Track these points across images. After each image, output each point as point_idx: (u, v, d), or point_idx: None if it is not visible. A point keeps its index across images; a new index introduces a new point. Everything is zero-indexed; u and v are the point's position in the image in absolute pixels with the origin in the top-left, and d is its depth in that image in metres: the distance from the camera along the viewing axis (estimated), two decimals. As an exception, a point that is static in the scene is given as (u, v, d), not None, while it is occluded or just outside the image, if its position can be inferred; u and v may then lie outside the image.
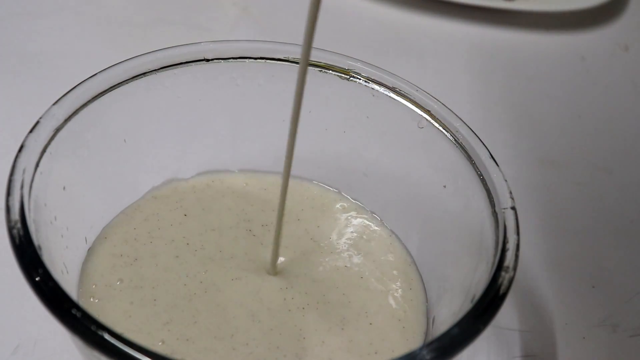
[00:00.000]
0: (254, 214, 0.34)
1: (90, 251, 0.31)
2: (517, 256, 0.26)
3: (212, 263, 0.31)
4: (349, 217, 0.35)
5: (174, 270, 0.31)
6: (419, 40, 0.55)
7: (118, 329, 0.26)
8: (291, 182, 0.36)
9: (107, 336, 0.21)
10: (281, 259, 0.32)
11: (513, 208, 0.27)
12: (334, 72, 0.32)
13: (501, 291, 0.24)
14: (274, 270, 0.31)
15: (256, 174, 0.36)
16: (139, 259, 0.31)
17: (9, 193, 0.25)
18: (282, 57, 0.33)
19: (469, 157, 0.29)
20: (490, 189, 0.28)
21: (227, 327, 0.29)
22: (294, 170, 0.36)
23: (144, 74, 0.31)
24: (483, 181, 0.29)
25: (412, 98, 0.32)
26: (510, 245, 0.26)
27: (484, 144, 0.30)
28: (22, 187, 0.25)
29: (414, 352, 0.22)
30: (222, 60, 0.32)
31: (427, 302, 0.32)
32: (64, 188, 0.28)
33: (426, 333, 0.30)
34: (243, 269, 0.31)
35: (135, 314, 0.29)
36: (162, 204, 0.33)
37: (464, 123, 0.30)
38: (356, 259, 0.33)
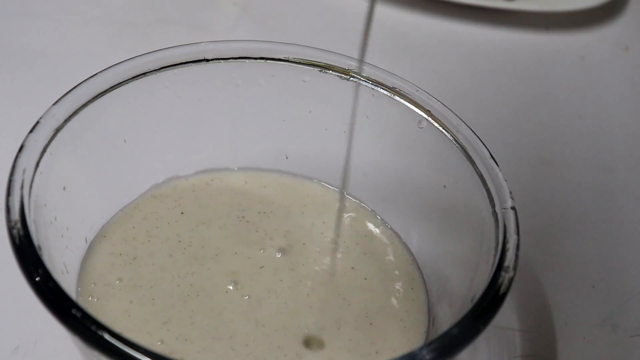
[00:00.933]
0: (250, 205, 0.34)
1: (90, 250, 0.31)
2: (517, 256, 0.26)
3: (196, 263, 0.31)
4: (350, 217, 0.35)
5: (168, 270, 0.31)
6: (419, 40, 0.55)
7: (117, 328, 0.26)
8: (292, 181, 0.36)
9: (107, 336, 0.21)
10: (281, 254, 0.32)
11: (513, 208, 0.27)
12: (334, 72, 0.32)
13: (501, 291, 0.24)
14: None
15: (256, 172, 0.36)
16: (137, 258, 0.31)
17: (9, 193, 0.25)
18: (282, 57, 0.33)
19: (469, 157, 0.29)
20: (490, 189, 0.28)
21: (226, 329, 0.29)
22: (294, 170, 0.36)
23: (144, 74, 0.31)
24: (483, 181, 0.29)
25: (412, 98, 0.32)
26: (510, 245, 0.26)
27: (484, 144, 0.30)
28: (22, 187, 0.25)
29: (414, 352, 0.22)
30: (222, 60, 0.32)
31: (428, 301, 0.32)
32: (64, 188, 0.28)
33: (427, 332, 0.30)
34: (228, 270, 0.31)
35: (135, 313, 0.29)
36: (161, 202, 0.33)
37: (464, 123, 0.30)
38: (358, 259, 0.33)
